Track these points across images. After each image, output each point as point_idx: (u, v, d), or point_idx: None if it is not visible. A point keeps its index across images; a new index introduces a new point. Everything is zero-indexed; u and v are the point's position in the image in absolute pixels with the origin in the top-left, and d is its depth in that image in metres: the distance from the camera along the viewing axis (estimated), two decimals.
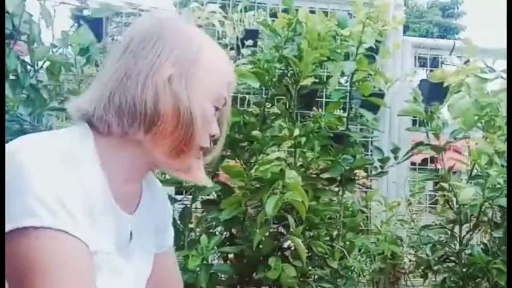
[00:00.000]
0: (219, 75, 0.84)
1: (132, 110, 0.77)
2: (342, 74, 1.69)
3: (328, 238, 1.78)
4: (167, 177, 1.65)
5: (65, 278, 0.66)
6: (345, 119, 1.78)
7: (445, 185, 1.84)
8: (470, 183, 1.80)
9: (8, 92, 1.36)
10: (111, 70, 0.79)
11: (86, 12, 1.76)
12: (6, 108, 1.35)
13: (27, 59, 1.49)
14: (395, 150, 1.88)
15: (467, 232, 1.85)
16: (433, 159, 2.11)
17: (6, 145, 0.73)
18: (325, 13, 1.80)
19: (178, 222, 1.63)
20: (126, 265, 0.84)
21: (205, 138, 0.84)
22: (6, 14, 1.38)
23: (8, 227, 0.65)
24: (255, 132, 1.65)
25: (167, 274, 1.01)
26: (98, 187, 0.76)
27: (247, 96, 1.96)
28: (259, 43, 1.86)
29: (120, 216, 0.82)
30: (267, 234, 1.61)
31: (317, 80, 1.79)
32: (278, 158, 1.50)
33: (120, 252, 0.82)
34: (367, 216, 2.11)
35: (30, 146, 0.71)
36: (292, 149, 1.75)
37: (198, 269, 1.47)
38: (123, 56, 0.79)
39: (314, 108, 1.96)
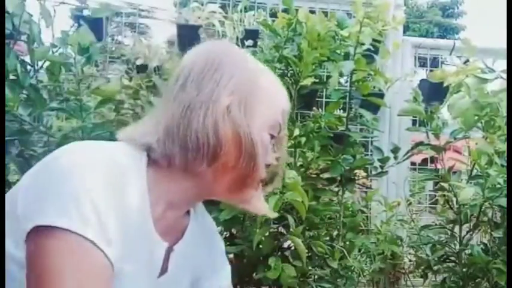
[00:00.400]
0: (275, 103, 0.83)
1: (195, 142, 0.75)
2: (341, 74, 1.69)
3: (328, 238, 1.78)
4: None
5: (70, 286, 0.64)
6: (344, 119, 1.78)
7: (445, 185, 1.84)
8: (470, 183, 1.80)
9: (7, 92, 1.36)
10: (172, 102, 0.78)
11: (86, 12, 1.76)
12: (6, 108, 1.34)
13: (27, 59, 1.49)
14: (395, 150, 1.88)
15: (467, 232, 1.85)
16: (433, 159, 2.11)
17: (61, 148, 0.72)
18: (325, 13, 1.80)
19: None
20: None
21: (263, 168, 0.81)
22: (6, 14, 1.38)
23: (38, 221, 0.64)
24: None
25: None
26: (138, 208, 0.73)
27: None
28: (259, 43, 1.86)
29: (156, 244, 0.78)
30: (267, 234, 1.62)
31: (317, 80, 1.79)
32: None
33: (148, 282, 0.78)
34: (367, 216, 2.11)
35: (78, 151, 0.71)
36: (292, 149, 1.75)
37: None
38: (185, 87, 0.78)
39: (314, 108, 1.96)
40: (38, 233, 0.64)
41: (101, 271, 0.66)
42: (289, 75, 1.72)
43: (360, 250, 1.89)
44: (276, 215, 0.90)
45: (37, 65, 1.50)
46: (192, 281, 0.90)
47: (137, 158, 0.76)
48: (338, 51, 1.69)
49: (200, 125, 0.75)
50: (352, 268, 1.79)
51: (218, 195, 0.84)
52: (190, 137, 0.75)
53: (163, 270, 0.82)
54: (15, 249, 0.67)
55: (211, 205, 1.70)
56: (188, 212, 0.90)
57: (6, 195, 0.73)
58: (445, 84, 1.78)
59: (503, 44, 1.56)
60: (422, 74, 2.40)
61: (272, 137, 0.82)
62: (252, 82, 0.79)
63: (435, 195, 2.21)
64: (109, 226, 0.66)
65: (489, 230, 1.83)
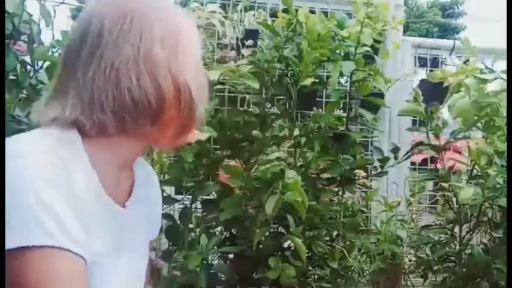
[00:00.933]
0: (197, 45, 0.79)
1: (130, 104, 0.69)
2: (341, 74, 1.69)
3: (328, 238, 1.78)
4: (167, 177, 1.65)
5: None
6: (344, 119, 1.78)
7: (445, 185, 1.84)
8: (470, 183, 1.80)
9: (6, 92, 1.36)
10: (90, 66, 0.69)
11: None
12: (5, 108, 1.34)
13: (27, 59, 1.49)
14: (395, 150, 1.88)
15: (467, 232, 1.85)
16: (433, 159, 2.11)
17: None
18: (325, 13, 1.80)
19: (178, 222, 1.63)
20: (122, 259, 0.79)
21: (203, 106, 0.80)
22: (6, 14, 1.38)
23: (7, 245, 0.61)
24: (255, 132, 1.66)
25: None
26: (89, 186, 0.70)
27: (247, 96, 1.96)
28: (259, 43, 1.86)
29: (116, 212, 0.77)
30: (267, 234, 1.62)
31: (317, 80, 1.79)
32: (278, 158, 1.50)
33: (118, 247, 0.78)
34: (367, 216, 2.10)
35: (18, 155, 0.65)
36: (292, 149, 1.75)
37: (198, 269, 1.47)
38: (98, 47, 0.69)
39: (314, 108, 1.96)
40: (11, 253, 0.61)
41: (77, 273, 0.65)
42: (289, 75, 1.72)
43: (360, 250, 1.89)
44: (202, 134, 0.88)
45: (37, 65, 1.50)
46: (149, 215, 0.90)
47: (71, 141, 0.70)
48: (338, 52, 1.69)
49: (135, 84, 0.69)
50: (352, 268, 1.79)
51: (160, 144, 0.83)
52: (123, 99, 0.69)
53: (124, 229, 0.81)
54: None
55: (211, 205, 1.70)
56: None
57: None
58: (445, 85, 1.78)
59: (503, 44, 1.56)
60: (422, 74, 2.40)
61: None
62: (176, 30, 0.74)
63: (435, 195, 2.21)
64: (70, 225, 0.64)
65: (489, 230, 1.83)
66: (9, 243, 0.61)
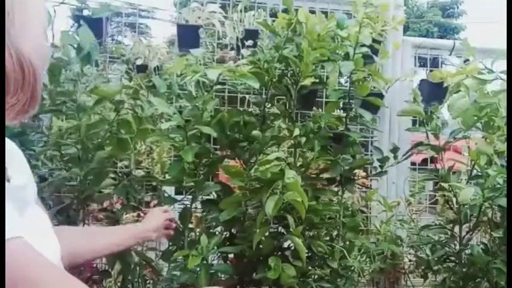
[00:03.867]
0: (43, 10, 0.74)
1: None
2: (340, 74, 1.69)
3: (328, 238, 1.79)
4: (167, 177, 1.65)
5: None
6: (344, 119, 1.78)
7: (445, 185, 1.84)
8: (470, 183, 1.80)
9: None
10: None
11: (86, 12, 1.76)
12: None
13: None
14: (394, 150, 1.88)
15: (467, 232, 1.85)
16: (433, 159, 2.11)
17: None
18: (325, 13, 1.80)
19: (179, 222, 1.63)
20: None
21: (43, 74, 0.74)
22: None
23: None
24: (255, 132, 1.66)
25: None
26: None
27: (247, 96, 1.97)
28: (259, 43, 1.86)
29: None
30: (267, 234, 1.62)
31: (317, 80, 1.79)
32: (278, 158, 1.50)
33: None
34: (367, 216, 2.11)
35: None
36: (292, 149, 1.75)
37: (198, 269, 1.48)
38: None
39: (314, 108, 1.96)
40: None
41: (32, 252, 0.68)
42: (289, 75, 1.72)
43: (360, 250, 1.89)
44: None
45: None
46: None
47: None
48: (338, 52, 1.69)
49: None
50: (352, 268, 1.79)
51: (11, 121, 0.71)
52: None
53: None
54: None
55: (211, 205, 1.70)
56: None
57: None
58: (444, 85, 1.79)
59: (503, 44, 1.56)
60: (422, 74, 2.40)
61: None
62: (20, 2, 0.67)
63: (435, 195, 2.21)
64: None
65: (489, 230, 1.83)
66: None
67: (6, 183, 0.75)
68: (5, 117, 0.68)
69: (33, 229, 0.76)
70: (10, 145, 0.88)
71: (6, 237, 0.64)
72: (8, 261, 0.64)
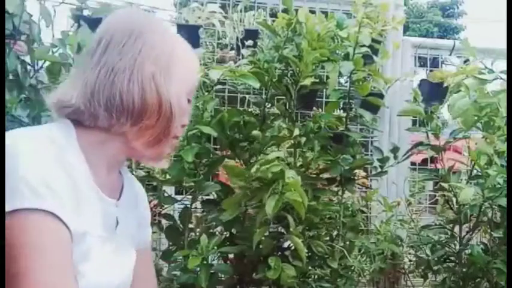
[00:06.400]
0: (191, 70, 0.92)
1: (119, 104, 0.82)
2: (340, 74, 1.69)
3: (328, 238, 1.78)
4: (167, 177, 1.65)
5: (44, 261, 0.71)
6: (344, 119, 1.78)
7: (445, 185, 1.84)
8: (470, 183, 1.80)
9: (7, 92, 1.36)
10: (95, 65, 0.84)
11: (86, 12, 1.76)
12: (5, 108, 1.34)
13: (27, 59, 1.49)
14: (394, 150, 1.88)
15: (467, 232, 1.85)
16: (433, 159, 2.11)
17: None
18: (325, 13, 1.80)
19: (178, 222, 1.63)
20: (114, 250, 0.88)
21: (179, 128, 0.91)
22: (6, 14, 1.38)
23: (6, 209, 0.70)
24: (255, 132, 1.66)
25: (144, 271, 1.02)
26: (82, 176, 0.81)
27: (247, 96, 1.96)
28: (259, 43, 1.86)
29: (105, 202, 0.87)
30: (267, 234, 1.62)
31: (317, 80, 1.79)
32: (278, 158, 1.50)
33: (108, 237, 0.87)
34: (367, 216, 2.11)
35: (18, 138, 0.77)
36: (292, 149, 1.75)
37: (198, 269, 1.48)
38: (106, 52, 0.84)
39: (314, 108, 1.96)
40: (7, 219, 0.70)
41: (63, 238, 0.74)
42: (289, 75, 1.72)
43: (360, 250, 1.89)
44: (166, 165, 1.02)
45: (37, 65, 1.50)
46: (137, 226, 1.01)
47: (67, 131, 0.83)
48: (338, 52, 1.69)
49: (125, 88, 0.82)
50: (352, 268, 1.79)
51: (137, 152, 0.91)
52: (114, 99, 0.82)
53: (116, 223, 0.92)
54: None
55: (211, 205, 1.70)
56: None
57: None
58: (445, 85, 1.78)
59: (503, 44, 1.56)
60: (422, 74, 2.40)
61: (188, 101, 0.92)
62: (171, 52, 0.88)
63: (435, 195, 2.21)
64: (61, 198, 0.74)
65: (489, 230, 1.83)
66: (8, 207, 0.70)
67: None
68: (138, 145, 0.87)
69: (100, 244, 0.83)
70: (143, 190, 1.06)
71: (35, 206, 0.71)
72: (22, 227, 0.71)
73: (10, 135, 0.78)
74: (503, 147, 1.66)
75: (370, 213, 2.14)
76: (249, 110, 1.87)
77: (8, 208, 0.70)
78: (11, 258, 0.70)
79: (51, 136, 0.80)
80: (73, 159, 0.80)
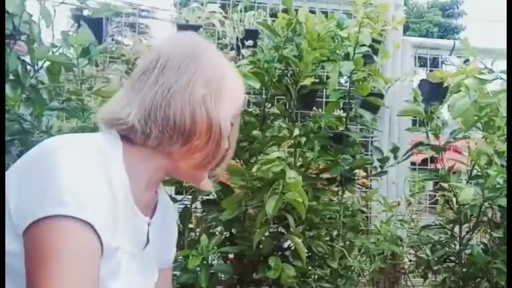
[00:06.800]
0: (238, 96, 0.94)
1: (173, 125, 0.84)
2: (340, 74, 1.69)
3: (328, 238, 1.79)
4: (166, 177, 1.65)
5: (71, 269, 0.70)
6: (344, 119, 1.78)
7: (445, 185, 1.84)
8: (470, 183, 1.80)
9: (8, 91, 1.36)
10: (152, 85, 0.85)
11: (86, 12, 1.76)
12: (6, 107, 1.34)
13: (27, 59, 1.49)
14: (394, 150, 1.88)
15: (467, 232, 1.85)
16: (433, 159, 2.11)
17: (43, 142, 0.79)
18: (325, 13, 1.80)
19: (178, 222, 1.63)
20: (140, 269, 0.89)
21: (224, 151, 0.92)
22: (6, 14, 1.38)
23: (37, 215, 0.70)
24: (255, 132, 1.66)
25: None
26: (122, 190, 0.81)
27: (247, 96, 1.96)
28: (259, 43, 1.86)
29: (139, 219, 0.88)
30: (267, 234, 1.62)
31: (317, 80, 1.79)
32: (279, 158, 1.50)
33: (137, 254, 0.88)
34: (367, 216, 2.11)
35: (65, 145, 0.77)
36: (292, 149, 1.75)
37: (198, 269, 1.48)
38: (164, 73, 0.86)
39: (314, 108, 1.95)
40: (38, 225, 0.70)
41: (95, 251, 0.73)
42: (289, 75, 1.72)
43: (360, 250, 1.89)
44: (211, 189, 1.05)
45: (37, 65, 1.50)
46: (165, 246, 1.01)
47: (114, 144, 0.84)
48: (338, 52, 1.69)
49: (178, 110, 0.84)
50: (352, 268, 1.79)
51: (182, 173, 0.92)
52: (169, 120, 0.84)
53: (147, 241, 0.92)
54: (15, 243, 0.72)
55: (212, 205, 1.70)
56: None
57: None
58: (445, 85, 1.79)
59: (503, 44, 1.57)
60: (422, 74, 2.40)
61: (232, 125, 0.93)
62: (222, 77, 0.89)
63: (435, 195, 2.21)
64: (100, 210, 0.74)
65: (489, 230, 1.83)
66: (46, 211, 0.70)
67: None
68: (185, 165, 0.88)
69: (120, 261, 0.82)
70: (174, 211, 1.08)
71: (75, 215, 0.71)
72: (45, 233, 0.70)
73: (58, 140, 0.79)
74: (503, 147, 1.66)
75: (370, 213, 2.14)
76: (249, 110, 1.87)
77: (46, 213, 0.70)
78: (37, 262, 0.70)
79: (98, 146, 0.80)
80: (116, 172, 0.80)
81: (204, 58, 0.89)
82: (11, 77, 1.40)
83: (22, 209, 0.72)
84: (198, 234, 1.66)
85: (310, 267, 1.67)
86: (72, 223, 0.70)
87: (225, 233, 1.73)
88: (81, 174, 0.74)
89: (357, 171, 1.83)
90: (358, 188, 1.99)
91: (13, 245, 0.73)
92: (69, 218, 0.70)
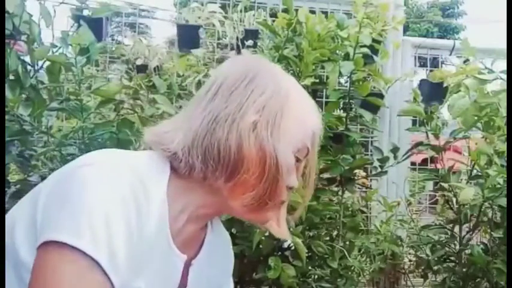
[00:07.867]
0: (305, 124, 0.80)
1: (216, 155, 0.73)
2: (340, 74, 1.69)
3: (328, 238, 1.79)
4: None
5: None
6: (344, 119, 1.78)
7: (445, 185, 1.84)
8: (470, 183, 1.80)
9: (8, 92, 1.36)
10: (201, 112, 0.76)
11: (86, 12, 1.76)
12: (6, 108, 1.34)
13: (27, 59, 1.49)
14: (395, 150, 1.88)
15: (467, 232, 1.85)
16: (433, 159, 2.11)
17: (83, 156, 0.72)
18: (325, 13, 1.80)
19: None
20: None
21: (284, 191, 0.79)
22: (6, 14, 1.38)
23: (51, 236, 0.63)
24: None
25: None
26: (156, 223, 0.71)
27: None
28: (259, 43, 1.86)
29: (175, 256, 0.77)
30: (267, 234, 1.61)
31: (317, 80, 1.79)
32: None
33: None
34: (367, 216, 2.11)
35: (101, 162, 0.69)
36: None
37: None
38: (215, 98, 0.76)
39: None
40: (50, 246, 0.63)
41: None
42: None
43: (360, 250, 1.89)
44: (289, 237, 0.91)
45: (37, 65, 1.50)
46: (210, 283, 0.88)
47: (160, 169, 0.75)
48: (338, 52, 1.69)
49: (223, 138, 0.73)
50: (352, 268, 1.79)
51: (236, 212, 0.81)
52: (212, 149, 0.73)
53: (183, 284, 0.80)
54: (30, 256, 0.65)
55: None
56: (205, 224, 0.87)
57: (30, 192, 0.72)
58: (444, 85, 1.78)
59: (503, 44, 1.56)
60: (422, 74, 2.40)
61: (297, 159, 0.80)
62: (283, 101, 0.77)
63: (435, 195, 2.21)
64: (119, 248, 0.64)
65: (489, 230, 1.83)
66: (58, 236, 0.62)
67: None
68: (235, 205, 0.76)
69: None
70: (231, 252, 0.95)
71: (85, 250, 0.62)
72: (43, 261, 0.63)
73: (91, 157, 0.71)
74: (503, 147, 1.66)
75: (370, 213, 2.14)
76: None
77: (58, 238, 0.62)
78: (37, 283, 0.62)
79: (140, 171, 0.70)
80: (153, 203, 0.70)
81: (259, 79, 0.77)
82: (11, 77, 1.40)
83: (44, 223, 0.65)
84: None
85: (310, 267, 1.67)
86: (82, 259, 0.62)
87: None
88: (107, 203, 0.64)
89: (356, 171, 1.83)
90: (358, 188, 1.99)
91: (27, 257, 0.66)
92: (79, 251, 0.62)
